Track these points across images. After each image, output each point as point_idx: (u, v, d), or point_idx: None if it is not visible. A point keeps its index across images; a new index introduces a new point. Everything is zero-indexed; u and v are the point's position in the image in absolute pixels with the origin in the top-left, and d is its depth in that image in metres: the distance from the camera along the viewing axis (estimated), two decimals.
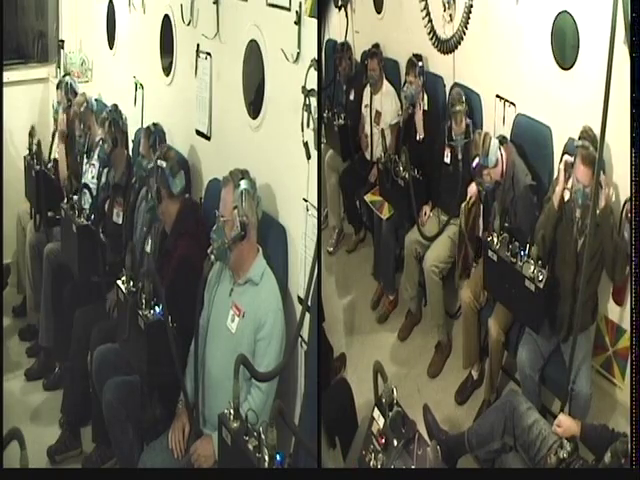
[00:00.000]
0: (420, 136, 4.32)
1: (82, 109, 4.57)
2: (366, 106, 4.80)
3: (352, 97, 5.00)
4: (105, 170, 4.27)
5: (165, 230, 3.63)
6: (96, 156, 4.33)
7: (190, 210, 3.60)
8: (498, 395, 3.65)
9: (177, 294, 3.18)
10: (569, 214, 3.18)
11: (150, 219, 3.71)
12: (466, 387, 3.86)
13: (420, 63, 4.25)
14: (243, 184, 3.10)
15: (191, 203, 3.70)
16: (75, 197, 4.12)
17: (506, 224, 3.44)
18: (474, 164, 3.51)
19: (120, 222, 4.11)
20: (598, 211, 3.00)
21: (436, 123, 4.23)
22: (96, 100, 4.94)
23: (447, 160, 4.05)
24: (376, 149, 4.76)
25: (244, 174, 3.15)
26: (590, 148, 3.04)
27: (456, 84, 4.18)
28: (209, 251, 3.06)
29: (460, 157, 3.93)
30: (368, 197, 4.57)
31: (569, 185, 3.17)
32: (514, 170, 3.53)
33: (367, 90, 4.80)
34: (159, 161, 3.54)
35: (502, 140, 3.56)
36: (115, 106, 4.33)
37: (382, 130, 4.59)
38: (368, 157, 4.84)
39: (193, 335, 3.10)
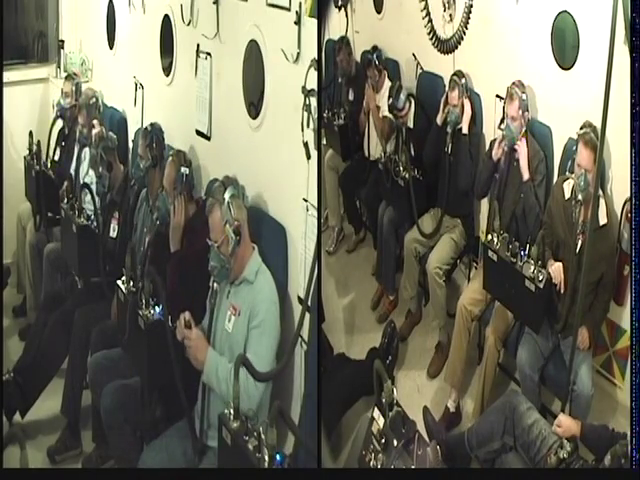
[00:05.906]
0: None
1: (91, 102, 4.59)
2: (366, 103, 4.80)
3: (352, 97, 4.99)
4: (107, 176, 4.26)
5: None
6: (96, 177, 4.30)
7: (203, 210, 3.63)
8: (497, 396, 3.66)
9: (190, 286, 3.21)
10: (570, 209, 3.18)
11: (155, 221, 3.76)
12: None
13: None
14: (226, 195, 3.07)
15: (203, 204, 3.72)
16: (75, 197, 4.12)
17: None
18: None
19: (115, 236, 4.11)
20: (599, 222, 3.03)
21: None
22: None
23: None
24: (375, 148, 4.76)
25: (225, 183, 3.13)
26: (592, 134, 3.05)
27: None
28: (210, 283, 3.08)
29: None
30: None
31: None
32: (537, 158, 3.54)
33: (368, 90, 4.79)
34: (182, 168, 3.62)
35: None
36: (99, 136, 4.31)
37: (383, 118, 4.56)
38: (366, 155, 4.83)
39: None
